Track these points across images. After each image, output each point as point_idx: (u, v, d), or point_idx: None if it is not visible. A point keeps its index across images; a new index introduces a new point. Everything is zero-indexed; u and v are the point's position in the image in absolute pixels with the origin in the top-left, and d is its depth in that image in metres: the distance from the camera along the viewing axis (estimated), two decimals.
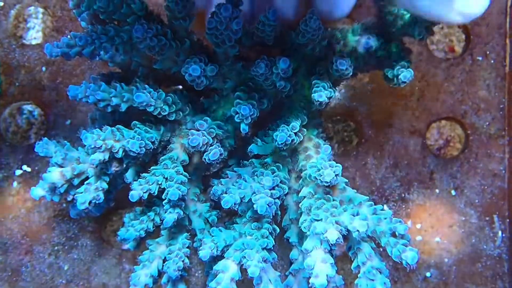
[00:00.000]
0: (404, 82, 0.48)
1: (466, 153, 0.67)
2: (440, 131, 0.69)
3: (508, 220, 0.67)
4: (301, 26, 0.45)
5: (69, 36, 0.45)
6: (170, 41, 0.45)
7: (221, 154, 0.48)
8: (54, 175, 0.47)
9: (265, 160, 0.50)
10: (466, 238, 0.67)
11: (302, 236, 0.49)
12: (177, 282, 0.55)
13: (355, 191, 0.49)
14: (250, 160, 0.51)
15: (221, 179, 0.50)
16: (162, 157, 0.50)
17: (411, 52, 0.53)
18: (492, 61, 0.67)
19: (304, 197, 0.48)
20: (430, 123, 0.68)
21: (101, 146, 0.44)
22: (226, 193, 0.46)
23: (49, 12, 0.66)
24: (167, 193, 0.46)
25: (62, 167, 0.47)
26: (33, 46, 0.65)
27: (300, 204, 0.48)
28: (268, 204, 0.44)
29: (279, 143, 0.45)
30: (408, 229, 0.66)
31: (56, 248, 0.65)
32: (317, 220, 0.44)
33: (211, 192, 0.50)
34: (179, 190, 0.46)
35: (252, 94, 0.49)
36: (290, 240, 0.52)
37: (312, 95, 0.46)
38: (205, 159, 0.48)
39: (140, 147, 0.45)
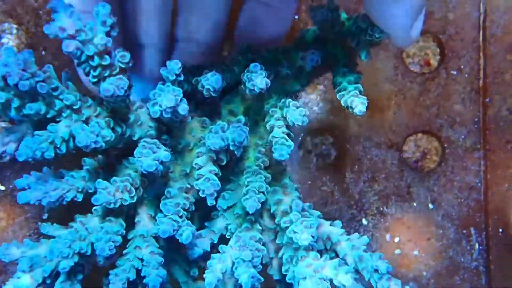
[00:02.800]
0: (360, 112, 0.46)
1: (443, 166, 0.68)
2: (417, 144, 0.70)
3: (484, 232, 0.67)
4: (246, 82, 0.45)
5: None
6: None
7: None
8: (25, 281, 0.45)
9: (235, 210, 0.49)
10: (444, 251, 0.67)
11: (283, 274, 0.49)
12: None
13: (329, 223, 0.48)
14: (220, 213, 0.49)
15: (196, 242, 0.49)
16: (131, 235, 0.47)
17: (356, 54, 0.51)
18: (467, 75, 0.68)
19: (282, 244, 0.47)
20: (407, 137, 0.68)
21: (68, 254, 0.44)
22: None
23: (24, 29, 0.65)
24: (148, 283, 0.45)
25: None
26: None
27: (280, 252, 0.48)
28: (252, 277, 0.44)
29: (250, 212, 0.44)
30: (387, 243, 0.67)
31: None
32: (302, 279, 0.44)
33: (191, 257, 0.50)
34: (159, 276, 0.44)
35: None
36: (274, 277, 0.51)
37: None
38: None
39: (109, 249, 0.44)
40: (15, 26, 0.66)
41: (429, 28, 0.68)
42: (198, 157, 0.46)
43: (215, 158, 0.46)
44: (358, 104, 0.44)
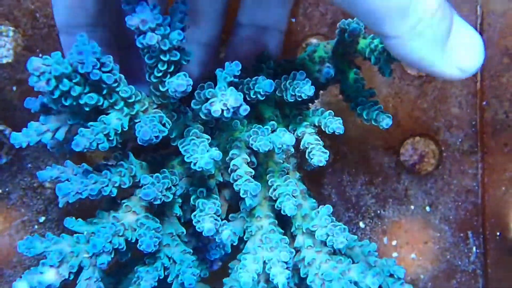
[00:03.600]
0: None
1: (440, 169, 0.68)
2: (414, 147, 0.70)
3: (482, 236, 0.67)
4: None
5: None
6: None
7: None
8: (50, 276, 0.43)
9: (256, 213, 0.49)
10: (441, 254, 0.67)
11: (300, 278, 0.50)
12: None
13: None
14: (240, 215, 0.50)
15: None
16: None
17: (361, 68, 0.54)
18: (464, 79, 0.68)
19: (299, 248, 0.48)
20: (404, 140, 0.68)
21: (109, 249, 0.43)
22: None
23: (20, 31, 0.65)
24: (183, 281, 0.45)
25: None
26: (3, 65, 0.64)
27: (299, 255, 0.48)
28: (287, 278, 0.45)
29: (288, 214, 0.45)
30: (384, 246, 0.66)
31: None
32: (329, 281, 0.45)
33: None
34: (194, 274, 0.45)
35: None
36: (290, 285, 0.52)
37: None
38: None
39: (154, 245, 0.44)
40: (12, 28, 0.66)
41: None
42: (232, 158, 0.47)
43: (248, 161, 0.47)
44: (385, 118, 0.48)
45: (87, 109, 0.43)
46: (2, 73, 0.64)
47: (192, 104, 0.45)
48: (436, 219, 0.67)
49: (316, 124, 0.49)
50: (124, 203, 0.47)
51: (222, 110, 0.42)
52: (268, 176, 0.49)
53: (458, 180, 0.68)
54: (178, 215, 0.49)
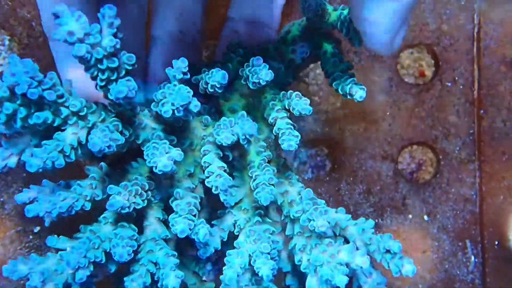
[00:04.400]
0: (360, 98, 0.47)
1: (438, 178, 0.67)
2: (412, 155, 0.69)
3: (480, 245, 0.67)
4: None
5: None
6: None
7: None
8: None
9: (242, 206, 0.49)
10: (439, 264, 0.66)
11: (294, 266, 0.49)
12: None
13: (334, 210, 0.48)
14: (227, 210, 0.49)
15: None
16: (142, 239, 0.47)
17: (341, 42, 0.52)
18: (461, 87, 0.68)
19: (292, 235, 0.48)
20: (402, 148, 0.68)
21: (84, 264, 0.43)
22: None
23: (16, 40, 0.64)
24: (166, 285, 0.44)
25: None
26: None
27: (291, 243, 0.48)
28: (272, 269, 0.44)
29: (265, 204, 0.45)
30: None
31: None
32: (319, 266, 0.44)
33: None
34: (178, 277, 0.44)
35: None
36: (284, 269, 0.51)
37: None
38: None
39: (128, 254, 0.44)
40: (7, 37, 0.66)
41: (423, 39, 0.68)
42: (204, 155, 0.46)
43: (221, 155, 0.46)
44: (358, 90, 0.46)
45: (41, 128, 0.42)
46: None
47: (151, 106, 0.44)
48: (434, 228, 0.67)
49: (286, 107, 0.47)
50: (102, 215, 0.47)
51: (173, 110, 0.42)
52: (249, 166, 0.49)
53: (456, 188, 0.67)
54: (161, 219, 0.49)
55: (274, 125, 0.46)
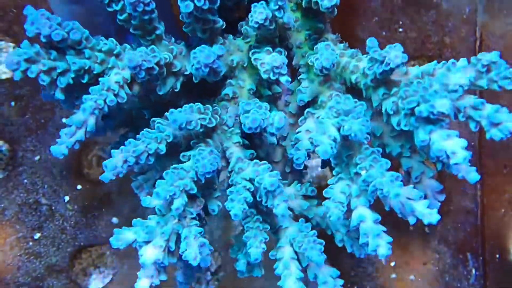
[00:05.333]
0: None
1: None
2: None
3: (481, 257, 0.67)
4: None
5: None
6: None
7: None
8: (152, 253, 0.44)
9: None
10: (440, 276, 0.66)
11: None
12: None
13: None
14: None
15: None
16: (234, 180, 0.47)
17: None
18: None
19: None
20: None
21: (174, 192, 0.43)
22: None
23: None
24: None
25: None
26: (2, 80, 0.64)
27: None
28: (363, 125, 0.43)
29: (326, 66, 0.44)
30: (383, 267, 0.66)
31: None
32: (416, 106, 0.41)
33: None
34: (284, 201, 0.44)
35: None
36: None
37: None
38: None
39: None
40: (12, 45, 0.66)
41: (425, 51, 0.68)
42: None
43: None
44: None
45: (85, 81, 0.44)
46: (0, 89, 0.64)
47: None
48: (435, 240, 0.66)
49: None
50: None
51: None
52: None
53: (457, 200, 0.67)
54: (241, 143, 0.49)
55: None
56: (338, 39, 0.51)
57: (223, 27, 0.47)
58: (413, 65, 0.70)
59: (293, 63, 0.51)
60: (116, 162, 0.43)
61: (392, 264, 0.66)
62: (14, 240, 0.63)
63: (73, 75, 0.43)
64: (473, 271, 0.66)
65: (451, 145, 0.41)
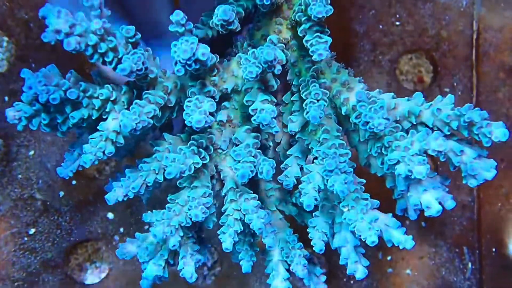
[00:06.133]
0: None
1: None
2: None
3: (477, 251, 0.67)
4: None
5: None
6: None
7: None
8: (152, 270, 0.48)
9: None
10: (436, 270, 0.66)
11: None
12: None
13: (406, 99, 0.47)
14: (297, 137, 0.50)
15: None
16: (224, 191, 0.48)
17: None
18: (460, 93, 0.68)
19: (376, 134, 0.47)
20: None
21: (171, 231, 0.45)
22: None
23: (13, 41, 0.64)
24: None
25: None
26: None
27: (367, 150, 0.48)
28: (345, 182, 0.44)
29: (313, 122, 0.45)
30: (379, 261, 0.66)
31: (16, 284, 0.62)
32: (396, 164, 0.43)
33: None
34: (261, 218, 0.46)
35: None
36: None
37: None
38: None
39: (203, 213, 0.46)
40: (5, 38, 0.66)
41: (422, 45, 0.68)
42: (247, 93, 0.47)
43: (263, 88, 0.47)
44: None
45: (85, 125, 0.45)
46: None
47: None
48: (432, 235, 0.66)
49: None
50: None
51: (184, 66, 0.43)
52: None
53: (453, 195, 0.67)
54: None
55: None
56: (333, 58, 0.51)
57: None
58: (410, 59, 0.70)
59: (287, 78, 0.51)
60: (117, 195, 0.45)
61: (389, 258, 0.66)
62: (8, 236, 0.63)
63: (70, 125, 0.45)
64: (469, 265, 0.66)
65: (427, 199, 0.47)
